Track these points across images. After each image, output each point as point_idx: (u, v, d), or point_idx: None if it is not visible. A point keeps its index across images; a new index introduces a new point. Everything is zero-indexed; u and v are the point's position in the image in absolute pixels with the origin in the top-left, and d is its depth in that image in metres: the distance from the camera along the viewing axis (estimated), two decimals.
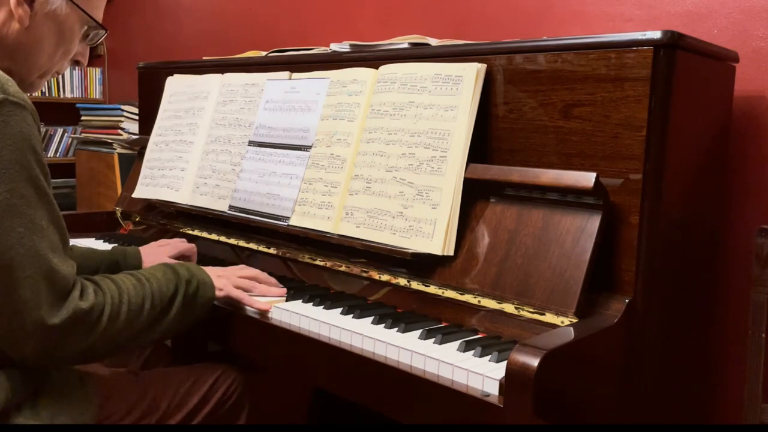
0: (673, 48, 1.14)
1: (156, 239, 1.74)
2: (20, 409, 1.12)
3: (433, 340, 1.14)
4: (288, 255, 1.57)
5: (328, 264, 1.48)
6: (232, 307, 1.37)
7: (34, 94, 4.08)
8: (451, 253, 1.29)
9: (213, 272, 1.36)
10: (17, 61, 1.19)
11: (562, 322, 1.12)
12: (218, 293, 1.33)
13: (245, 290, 1.37)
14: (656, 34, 1.13)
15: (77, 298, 1.09)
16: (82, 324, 1.10)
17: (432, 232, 1.30)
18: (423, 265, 1.32)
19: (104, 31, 1.28)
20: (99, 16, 1.27)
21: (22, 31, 1.16)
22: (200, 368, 1.43)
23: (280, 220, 1.57)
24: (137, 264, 1.54)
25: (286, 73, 1.73)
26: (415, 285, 1.33)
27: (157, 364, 1.60)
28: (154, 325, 1.21)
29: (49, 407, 1.15)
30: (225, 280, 1.36)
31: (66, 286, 1.08)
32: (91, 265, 1.51)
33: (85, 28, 1.25)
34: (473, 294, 1.24)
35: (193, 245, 1.66)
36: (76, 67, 1.17)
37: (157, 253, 1.58)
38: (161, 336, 1.25)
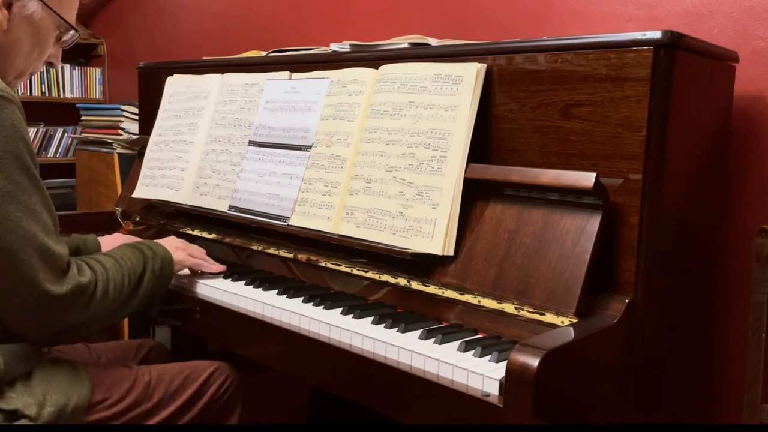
0: (673, 48, 1.14)
1: (156, 239, 1.74)
2: (14, 385, 1.17)
3: (433, 340, 1.14)
4: (288, 255, 1.57)
5: (328, 264, 1.48)
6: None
7: (33, 94, 4.10)
8: (451, 253, 1.29)
9: (170, 244, 1.47)
10: None
11: (562, 322, 1.12)
12: (176, 267, 1.46)
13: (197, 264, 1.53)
14: (656, 34, 1.13)
15: (77, 274, 1.19)
16: (81, 297, 1.19)
17: (432, 232, 1.30)
18: (423, 265, 1.32)
19: (77, 33, 1.35)
20: (72, 18, 1.33)
21: (0, 34, 1.22)
22: (194, 364, 1.48)
23: (280, 220, 1.57)
24: (97, 250, 1.62)
25: (286, 73, 1.73)
26: (415, 285, 1.32)
27: (156, 363, 1.61)
28: (131, 299, 1.33)
29: (43, 384, 1.20)
30: (182, 252, 1.49)
31: (62, 264, 1.17)
32: None
33: (58, 31, 1.31)
34: (473, 294, 1.24)
35: None
36: (51, 69, 1.23)
37: (116, 243, 1.61)
38: (137, 308, 1.35)
